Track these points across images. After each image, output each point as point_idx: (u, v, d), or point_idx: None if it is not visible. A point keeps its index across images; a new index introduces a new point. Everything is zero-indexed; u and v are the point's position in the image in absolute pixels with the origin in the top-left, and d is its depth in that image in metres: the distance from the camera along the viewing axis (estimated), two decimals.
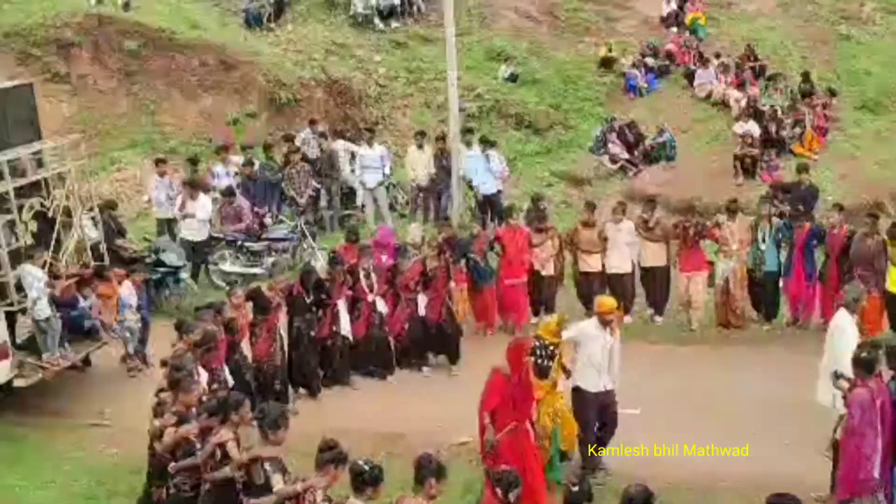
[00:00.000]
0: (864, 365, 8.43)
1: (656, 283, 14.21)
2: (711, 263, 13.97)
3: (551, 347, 9.70)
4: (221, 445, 7.80)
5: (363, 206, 18.01)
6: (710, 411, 11.12)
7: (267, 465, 7.40)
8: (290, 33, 22.37)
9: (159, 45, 20.65)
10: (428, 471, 6.73)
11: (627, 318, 13.78)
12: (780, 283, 13.78)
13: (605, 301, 10.03)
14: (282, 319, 12.02)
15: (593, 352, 9.69)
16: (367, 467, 6.69)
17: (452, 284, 13.24)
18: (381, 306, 12.84)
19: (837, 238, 13.08)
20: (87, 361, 12.92)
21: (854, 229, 13.09)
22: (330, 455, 7.03)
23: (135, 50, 20.53)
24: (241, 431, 8.00)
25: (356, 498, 6.67)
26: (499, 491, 6.84)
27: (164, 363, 9.94)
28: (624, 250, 14.00)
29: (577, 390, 9.85)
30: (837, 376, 8.91)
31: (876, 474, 8.35)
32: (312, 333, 12.18)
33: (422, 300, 12.84)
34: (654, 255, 14.04)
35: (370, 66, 21.75)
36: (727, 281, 13.73)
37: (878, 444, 8.34)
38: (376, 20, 22.86)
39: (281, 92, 20.39)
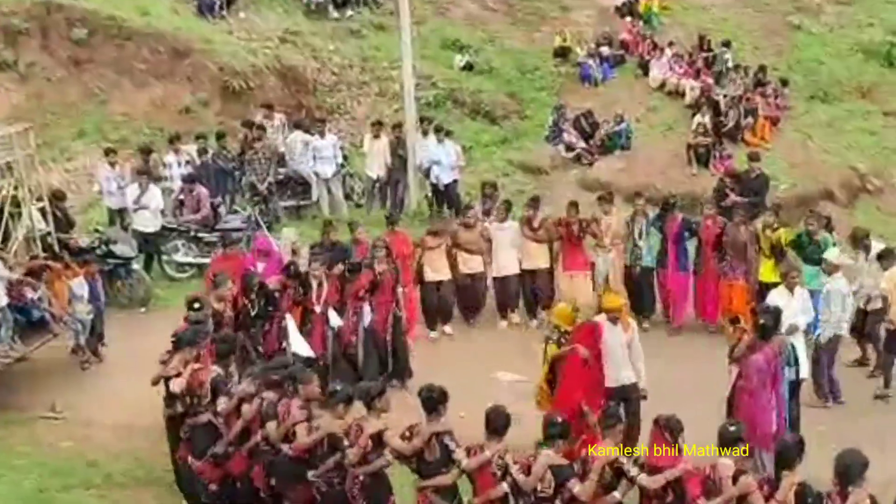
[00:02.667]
0: (761, 329, 9.37)
1: (539, 285, 13.82)
2: (594, 263, 13.80)
3: (567, 335, 9.55)
4: (376, 436, 7.69)
5: (319, 197, 17.85)
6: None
7: (446, 439, 7.50)
8: (243, 21, 22.12)
9: (109, 33, 20.27)
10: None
11: (515, 318, 13.80)
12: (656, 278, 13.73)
13: (611, 299, 10.02)
14: None
15: (611, 345, 9.60)
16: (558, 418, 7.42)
17: (400, 290, 12.36)
18: (335, 319, 11.64)
19: (712, 230, 13.23)
20: (96, 353, 12.74)
21: (727, 221, 13.31)
22: (501, 421, 7.39)
23: (84, 38, 20.15)
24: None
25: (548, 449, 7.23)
26: (668, 435, 7.08)
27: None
28: (510, 252, 13.70)
29: None
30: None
31: (770, 429, 9.24)
32: (260, 349, 11.00)
33: (366, 311, 11.77)
34: (537, 257, 13.75)
35: (324, 54, 21.59)
36: (608, 276, 13.66)
37: (773, 401, 9.31)
38: (330, 8, 22.73)
39: (234, 80, 20.14)
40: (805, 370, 10.37)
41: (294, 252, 13.32)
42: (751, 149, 18.38)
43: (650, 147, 20.00)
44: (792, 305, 10.67)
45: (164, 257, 15.62)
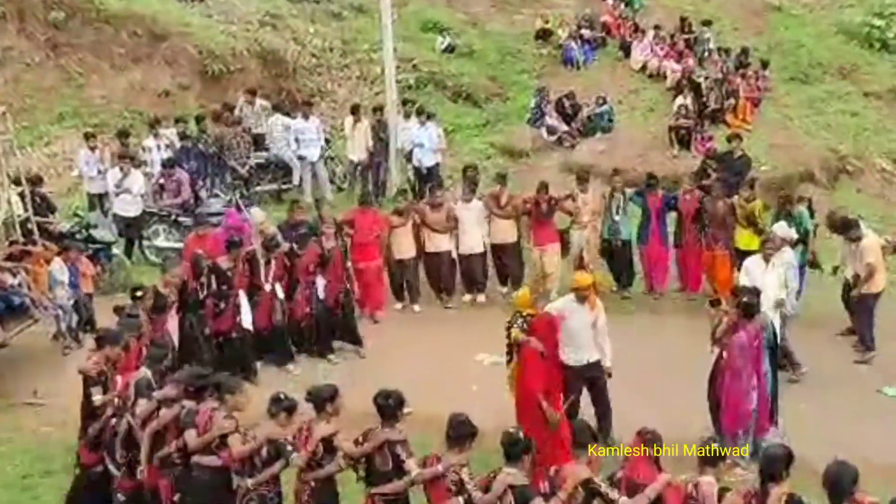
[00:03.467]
0: (745, 308, 9.46)
1: (508, 259, 14.19)
2: (563, 234, 14.13)
3: (529, 319, 9.44)
4: (327, 440, 7.42)
5: (300, 181, 17.77)
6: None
7: (398, 449, 7.22)
8: (222, 4, 21.94)
9: (87, 17, 20.16)
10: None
11: (482, 298, 14.08)
12: (638, 252, 14.34)
13: (581, 277, 10.04)
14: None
15: (575, 327, 9.61)
16: (520, 435, 6.87)
17: (349, 264, 12.90)
18: (280, 293, 12.08)
19: (690, 203, 13.86)
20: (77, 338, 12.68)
21: (703, 194, 13.95)
22: (463, 431, 7.05)
23: (62, 21, 19.99)
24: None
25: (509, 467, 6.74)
26: (648, 449, 6.82)
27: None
28: (475, 230, 13.98)
29: (562, 366, 9.63)
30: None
31: (752, 407, 9.44)
32: (207, 331, 11.41)
33: (320, 283, 12.25)
34: (505, 232, 14.06)
35: (305, 36, 21.46)
36: (582, 251, 14.04)
37: (754, 381, 9.44)
38: None
39: (213, 64, 20.02)
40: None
41: (261, 232, 13.28)
42: (732, 130, 18.43)
43: (632, 129, 19.99)
44: (769, 276, 10.94)
45: (145, 242, 15.57)
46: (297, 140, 17.56)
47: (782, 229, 12.21)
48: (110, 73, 20.14)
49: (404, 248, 13.82)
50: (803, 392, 11.00)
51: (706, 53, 21.49)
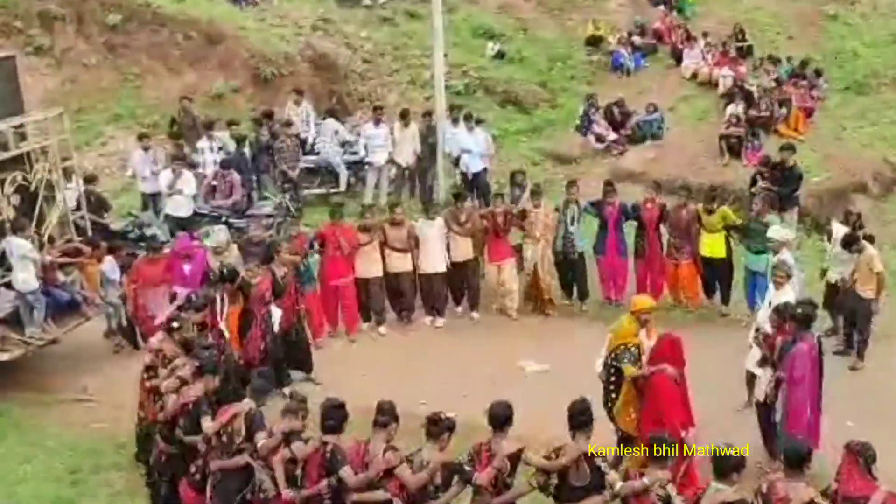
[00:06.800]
0: (802, 320, 9.33)
1: (468, 277, 13.75)
2: (518, 249, 13.84)
3: (636, 350, 9.21)
4: (513, 457, 7.27)
5: (348, 185, 17.91)
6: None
7: (599, 462, 7.03)
8: (275, 8, 22.19)
9: (143, 19, 20.47)
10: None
11: (440, 321, 13.61)
12: (596, 262, 14.01)
13: (642, 300, 9.82)
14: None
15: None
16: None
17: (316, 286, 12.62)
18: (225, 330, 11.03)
19: (652, 212, 13.61)
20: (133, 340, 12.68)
21: (664, 203, 13.71)
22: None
23: (119, 23, 20.34)
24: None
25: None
26: (863, 462, 6.82)
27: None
28: (437, 248, 13.41)
29: None
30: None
31: (806, 416, 9.25)
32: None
33: (276, 313, 11.38)
34: (465, 250, 13.58)
35: (356, 41, 21.61)
36: (535, 266, 13.69)
37: (812, 392, 9.32)
38: None
39: (266, 67, 20.24)
40: None
41: (217, 253, 13.02)
42: (784, 140, 18.22)
43: (681, 137, 19.85)
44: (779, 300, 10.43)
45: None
46: (365, 146, 17.73)
47: (778, 232, 12.11)
48: (165, 75, 20.43)
49: (368, 265, 13.14)
50: None
51: (759, 62, 21.30)
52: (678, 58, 22.06)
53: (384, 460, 7.19)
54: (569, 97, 21.38)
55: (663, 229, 13.66)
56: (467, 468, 7.13)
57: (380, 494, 7.21)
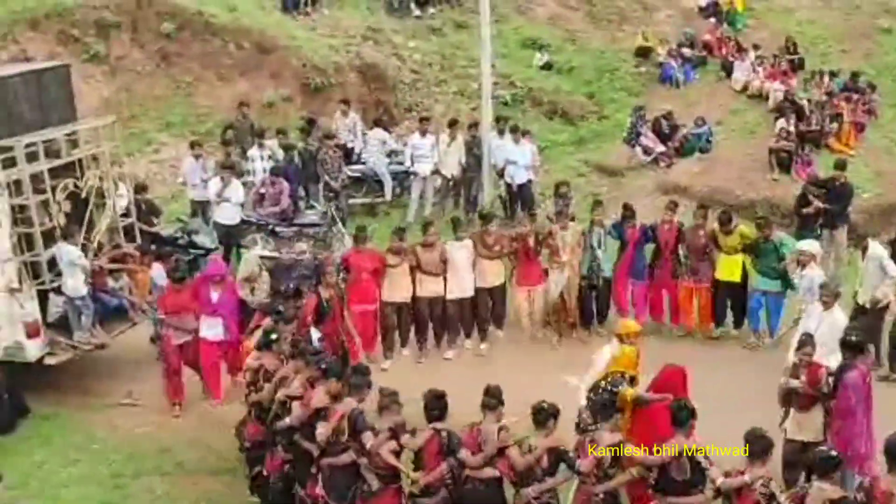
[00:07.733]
0: (854, 347, 9.01)
1: (496, 301, 13.17)
2: (546, 273, 13.30)
3: (628, 377, 9.33)
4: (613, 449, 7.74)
5: (393, 195, 18.03)
6: None
7: (700, 457, 7.31)
8: (326, 18, 22.42)
9: (197, 28, 20.76)
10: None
11: (483, 346, 13.15)
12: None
13: (630, 324, 9.93)
14: None
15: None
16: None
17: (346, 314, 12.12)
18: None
19: (670, 233, 13.27)
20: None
21: (683, 223, 13.42)
22: (763, 444, 7.18)
23: (173, 32, 20.68)
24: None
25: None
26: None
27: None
28: (467, 272, 12.83)
29: None
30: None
31: (863, 450, 8.88)
32: None
33: (314, 334, 11.10)
34: (494, 274, 13.05)
35: (405, 52, 21.75)
36: (563, 293, 13.20)
37: (865, 422, 8.93)
38: (412, 6, 22.91)
39: (316, 77, 20.43)
40: None
41: (248, 279, 12.62)
42: (835, 155, 17.97)
43: (730, 150, 19.67)
44: (824, 325, 10.20)
45: (242, 251, 15.92)
46: (411, 156, 17.78)
47: (810, 245, 12.03)
48: (217, 84, 20.69)
49: (397, 289, 12.62)
50: None
51: (810, 75, 21.06)
52: (728, 70, 21.87)
53: (500, 439, 7.79)
54: (616, 109, 21.29)
55: (680, 250, 13.27)
56: (572, 455, 7.75)
57: (490, 471, 7.86)
